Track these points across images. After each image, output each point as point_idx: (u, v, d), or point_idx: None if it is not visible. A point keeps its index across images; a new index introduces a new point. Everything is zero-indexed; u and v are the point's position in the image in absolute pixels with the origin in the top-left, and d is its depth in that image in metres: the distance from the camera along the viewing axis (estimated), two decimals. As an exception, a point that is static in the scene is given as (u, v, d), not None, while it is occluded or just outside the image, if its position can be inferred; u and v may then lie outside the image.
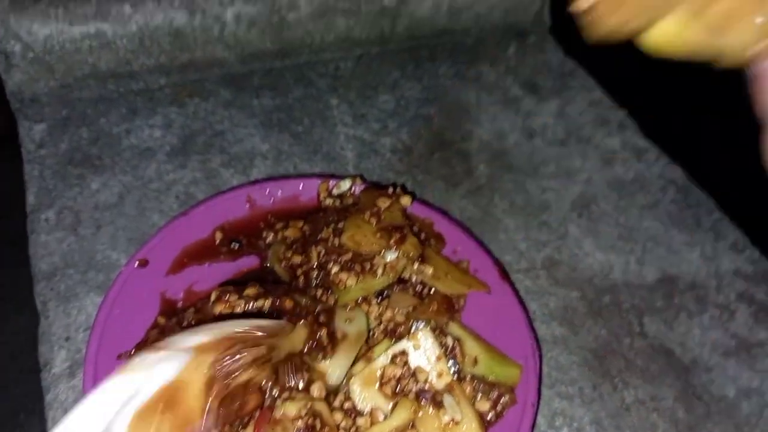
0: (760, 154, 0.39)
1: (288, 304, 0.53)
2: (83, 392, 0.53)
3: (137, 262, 0.62)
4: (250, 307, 0.52)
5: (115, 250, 0.68)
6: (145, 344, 0.53)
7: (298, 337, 0.52)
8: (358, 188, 0.69)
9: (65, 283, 0.65)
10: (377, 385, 0.54)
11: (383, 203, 0.63)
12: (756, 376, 0.67)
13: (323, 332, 0.53)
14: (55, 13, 0.80)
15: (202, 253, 0.65)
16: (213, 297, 0.54)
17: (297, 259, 0.63)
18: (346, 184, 0.70)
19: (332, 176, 0.73)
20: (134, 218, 0.72)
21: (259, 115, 0.86)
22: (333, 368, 0.53)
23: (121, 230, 0.70)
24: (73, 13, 0.81)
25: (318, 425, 0.48)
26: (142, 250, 0.63)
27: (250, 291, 0.54)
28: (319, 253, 0.61)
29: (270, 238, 0.67)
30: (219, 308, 0.52)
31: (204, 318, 0.52)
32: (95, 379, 0.54)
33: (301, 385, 0.50)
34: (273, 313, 0.53)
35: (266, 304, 0.53)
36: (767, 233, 0.80)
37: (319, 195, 0.71)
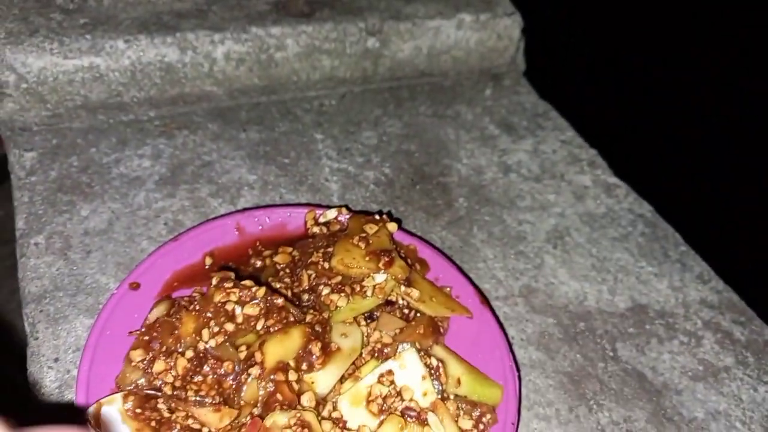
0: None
1: (279, 301, 0.56)
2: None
3: (129, 285, 0.63)
4: (244, 296, 0.56)
5: (104, 274, 0.69)
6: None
7: (291, 344, 0.54)
8: (343, 217, 0.72)
9: (54, 306, 0.65)
10: (364, 403, 0.56)
11: (371, 229, 0.66)
12: (723, 399, 0.70)
13: (316, 345, 0.55)
14: (50, 46, 0.83)
15: (192, 277, 0.66)
16: (214, 281, 0.57)
17: (285, 289, 0.65)
18: (332, 213, 0.72)
19: (318, 206, 0.76)
20: (123, 244, 0.73)
21: (246, 147, 0.89)
22: (323, 379, 0.55)
23: (111, 255, 0.71)
24: (68, 47, 0.83)
25: (307, 434, 0.49)
26: (133, 273, 0.64)
27: (247, 281, 0.57)
28: (309, 276, 0.63)
29: (259, 264, 0.69)
30: (218, 296, 0.55)
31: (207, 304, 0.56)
32: (87, 398, 0.55)
33: None
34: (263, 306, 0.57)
35: (259, 293, 0.56)
36: (731, 265, 0.85)
37: (306, 223, 0.73)
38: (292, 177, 0.86)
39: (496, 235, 0.83)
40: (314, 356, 0.54)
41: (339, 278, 0.62)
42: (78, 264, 0.70)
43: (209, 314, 0.56)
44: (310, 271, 0.63)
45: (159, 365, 0.54)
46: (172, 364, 0.54)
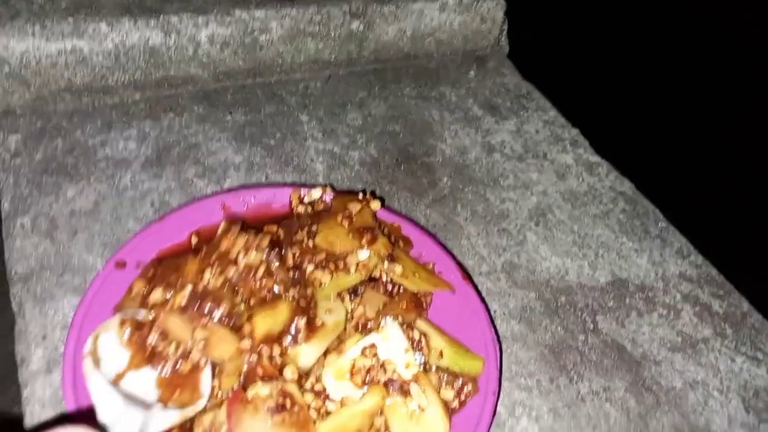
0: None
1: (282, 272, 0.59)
2: (62, 388, 0.54)
3: (115, 263, 0.64)
4: (251, 246, 0.59)
5: (91, 254, 0.70)
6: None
7: (279, 317, 0.55)
8: (328, 196, 0.73)
9: (41, 285, 0.66)
10: (348, 375, 0.57)
11: (354, 207, 0.67)
12: (701, 369, 0.72)
13: (302, 320, 0.56)
14: (32, 29, 0.83)
15: (178, 255, 0.67)
16: (221, 229, 0.62)
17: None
18: (317, 192, 0.73)
19: (303, 185, 0.77)
20: (110, 224, 0.73)
21: (232, 129, 0.89)
22: (306, 353, 0.56)
23: (97, 236, 0.72)
24: (50, 30, 0.83)
25: (289, 404, 0.50)
26: (119, 252, 0.65)
27: (252, 232, 0.61)
28: (294, 254, 0.64)
29: (243, 242, 0.70)
30: (225, 244, 0.59)
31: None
32: (74, 375, 0.56)
33: None
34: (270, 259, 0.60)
35: (264, 242, 0.60)
36: (710, 240, 0.86)
37: (291, 203, 0.74)
38: (278, 158, 0.86)
39: (480, 213, 0.84)
40: (299, 330, 0.56)
41: (323, 255, 0.63)
42: (64, 244, 0.71)
43: (213, 258, 0.59)
44: (294, 249, 0.64)
45: (156, 295, 0.57)
46: (169, 296, 0.56)
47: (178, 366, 0.54)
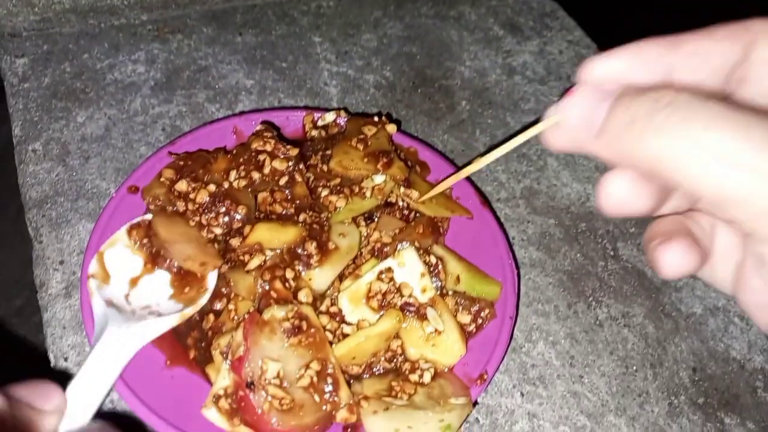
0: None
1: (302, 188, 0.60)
2: (81, 311, 0.55)
3: (128, 188, 0.63)
4: (279, 152, 0.60)
5: (104, 179, 0.69)
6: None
7: (280, 235, 0.55)
8: (342, 119, 0.71)
9: (56, 211, 0.66)
10: (364, 299, 0.57)
11: (369, 130, 0.65)
12: (722, 295, 0.71)
13: (311, 244, 0.55)
14: (33, -55, 0.79)
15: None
16: (257, 129, 0.63)
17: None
18: (331, 116, 0.71)
19: (317, 109, 0.74)
20: (121, 150, 0.72)
21: (243, 51, 0.86)
22: (320, 277, 0.55)
23: (109, 161, 0.71)
24: (52, -54, 0.80)
25: (305, 326, 0.50)
26: (131, 177, 0.64)
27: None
28: (308, 179, 0.62)
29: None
30: (255, 144, 0.61)
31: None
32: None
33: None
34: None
35: (293, 152, 0.60)
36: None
37: (304, 127, 0.72)
38: (291, 81, 0.84)
39: (499, 137, 0.81)
40: (310, 255, 0.55)
41: (338, 180, 0.62)
42: (77, 170, 0.70)
43: (241, 160, 0.60)
44: (308, 174, 0.63)
45: (182, 185, 0.59)
46: (193, 186, 0.59)
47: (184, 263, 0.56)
